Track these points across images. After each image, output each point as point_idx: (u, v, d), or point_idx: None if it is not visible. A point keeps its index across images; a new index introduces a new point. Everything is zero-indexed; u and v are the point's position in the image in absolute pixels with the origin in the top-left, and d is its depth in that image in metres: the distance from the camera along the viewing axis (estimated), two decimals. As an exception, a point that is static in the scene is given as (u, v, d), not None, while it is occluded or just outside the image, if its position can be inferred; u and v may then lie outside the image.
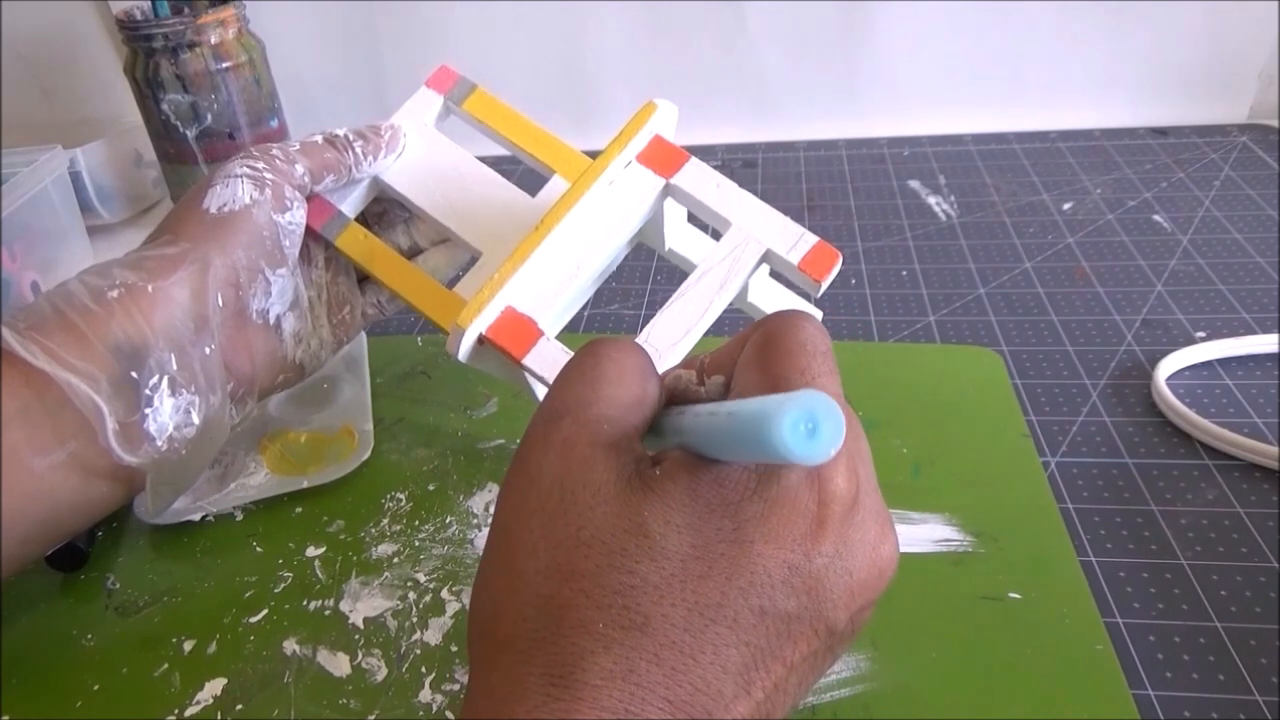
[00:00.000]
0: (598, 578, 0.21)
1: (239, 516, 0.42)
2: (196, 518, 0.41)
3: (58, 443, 0.32)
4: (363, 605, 0.37)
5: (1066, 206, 0.64)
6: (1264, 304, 0.51)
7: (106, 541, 0.41)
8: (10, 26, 0.82)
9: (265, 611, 0.37)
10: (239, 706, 0.33)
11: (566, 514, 0.22)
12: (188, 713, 0.33)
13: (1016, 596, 0.34)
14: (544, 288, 0.37)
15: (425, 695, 0.33)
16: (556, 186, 0.41)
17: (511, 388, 0.48)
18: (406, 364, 0.51)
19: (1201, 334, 0.49)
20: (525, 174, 0.43)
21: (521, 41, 0.79)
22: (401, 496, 0.42)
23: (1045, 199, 0.66)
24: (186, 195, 0.38)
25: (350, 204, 0.42)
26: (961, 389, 0.45)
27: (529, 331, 0.36)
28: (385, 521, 0.41)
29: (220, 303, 0.36)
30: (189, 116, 0.69)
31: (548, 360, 0.36)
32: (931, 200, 0.67)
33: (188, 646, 0.35)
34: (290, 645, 0.35)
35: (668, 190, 0.39)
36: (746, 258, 0.37)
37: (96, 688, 0.34)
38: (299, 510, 0.42)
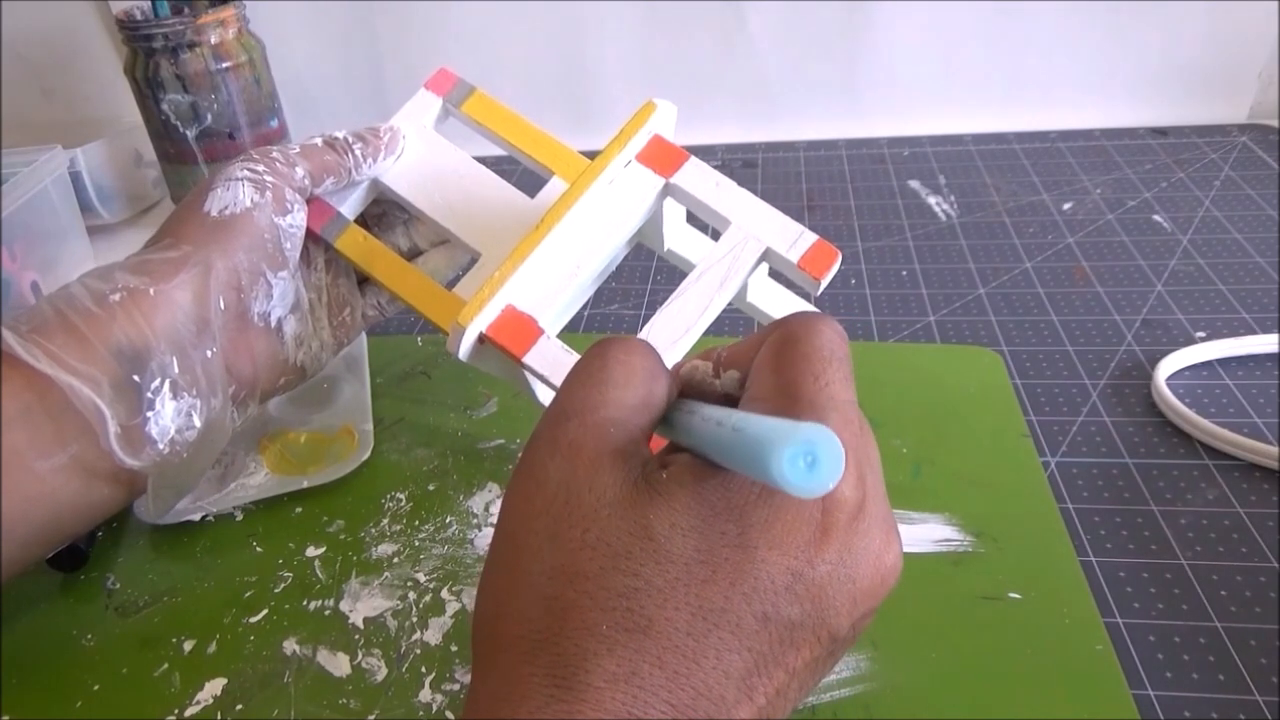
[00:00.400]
0: (602, 580, 0.21)
1: (239, 516, 0.42)
2: (196, 518, 0.41)
3: (59, 445, 0.32)
4: (363, 605, 0.37)
5: (1066, 206, 0.64)
6: (1264, 304, 0.51)
7: (106, 541, 0.41)
8: (10, 26, 0.82)
9: (265, 611, 0.37)
10: (239, 706, 0.33)
11: (571, 516, 0.22)
12: (188, 713, 0.33)
13: (1016, 596, 0.34)
14: (544, 286, 0.37)
15: (425, 695, 0.33)
16: (555, 188, 0.41)
17: (511, 387, 0.48)
18: (406, 364, 0.51)
19: (1201, 334, 0.49)
20: (524, 175, 0.43)
21: (521, 41, 0.79)
22: (401, 496, 0.42)
23: (1045, 199, 0.66)
24: (187, 198, 0.38)
25: (350, 206, 0.42)
26: (961, 389, 0.45)
27: (529, 330, 0.36)
28: (385, 521, 0.41)
29: (222, 306, 0.36)
30: (189, 116, 0.69)
31: (548, 359, 0.36)
32: (931, 200, 0.67)
33: (188, 646, 0.35)
34: (290, 645, 0.35)
35: (667, 189, 0.39)
36: (746, 256, 0.37)
37: (96, 688, 0.34)
38: (299, 510, 0.42)
